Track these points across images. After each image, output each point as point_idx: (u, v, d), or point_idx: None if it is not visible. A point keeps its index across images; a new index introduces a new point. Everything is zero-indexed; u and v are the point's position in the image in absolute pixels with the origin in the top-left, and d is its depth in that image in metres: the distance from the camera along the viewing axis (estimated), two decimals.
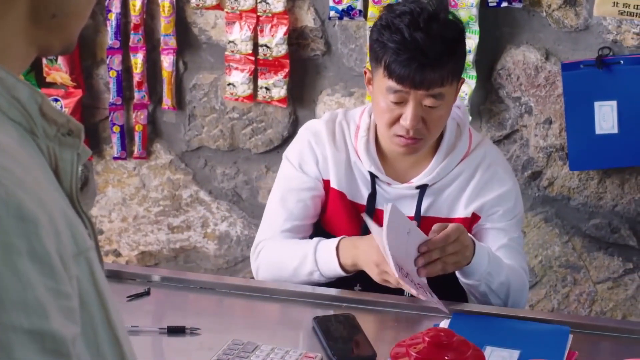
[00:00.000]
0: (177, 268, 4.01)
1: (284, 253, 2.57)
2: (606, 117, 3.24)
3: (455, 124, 2.61)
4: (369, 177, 2.58)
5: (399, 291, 2.44)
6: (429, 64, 2.36)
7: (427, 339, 1.90)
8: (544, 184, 3.46)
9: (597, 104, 3.24)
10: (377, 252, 2.30)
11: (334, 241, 2.48)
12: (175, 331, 2.22)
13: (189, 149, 3.89)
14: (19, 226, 0.86)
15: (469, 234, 2.37)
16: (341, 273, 2.46)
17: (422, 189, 2.56)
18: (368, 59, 2.56)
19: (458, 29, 2.47)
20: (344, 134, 2.63)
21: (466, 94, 3.33)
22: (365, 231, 2.52)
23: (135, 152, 3.91)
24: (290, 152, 2.68)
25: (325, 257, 2.48)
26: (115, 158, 3.94)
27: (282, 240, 2.60)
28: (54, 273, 0.89)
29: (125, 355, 1.02)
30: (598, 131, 3.26)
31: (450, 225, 2.31)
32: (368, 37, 2.54)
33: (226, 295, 2.47)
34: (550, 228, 3.50)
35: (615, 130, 3.24)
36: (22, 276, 0.85)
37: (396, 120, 2.44)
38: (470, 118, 3.36)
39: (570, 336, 2.18)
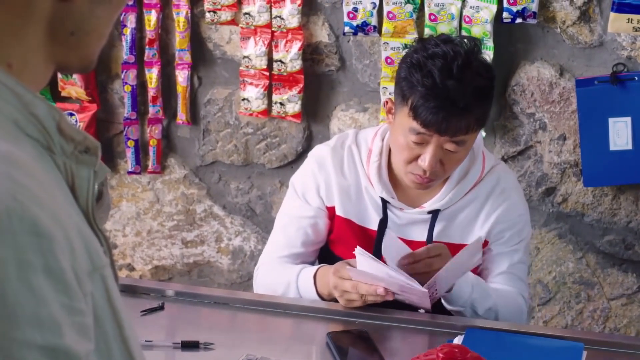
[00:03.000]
0: (190, 283, 4.02)
1: (274, 279, 2.60)
2: (620, 133, 3.23)
3: None
4: (380, 203, 2.57)
5: (414, 307, 2.45)
6: (457, 113, 2.31)
7: (441, 355, 1.90)
8: (558, 200, 3.45)
9: (611, 120, 3.24)
10: (333, 278, 2.36)
11: (313, 270, 2.51)
12: (189, 346, 2.22)
13: (203, 164, 3.90)
14: (34, 242, 0.86)
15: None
16: (320, 300, 2.49)
17: (434, 214, 2.54)
18: (393, 89, 2.52)
19: (490, 76, 2.40)
20: (353, 159, 2.61)
21: None
22: (377, 255, 2.52)
23: (150, 167, 3.92)
24: (296, 178, 2.69)
25: (305, 285, 2.51)
26: (129, 172, 3.95)
27: (275, 266, 2.63)
28: (68, 289, 0.89)
29: None
30: (612, 147, 3.25)
31: (432, 244, 2.40)
32: (395, 72, 2.48)
33: (240, 310, 2.47)
34: (564, 244, 3.50)
35: (629, 147, 3.23)
36: (37, 292, 0.85)
37: (414, 159, 2.42)
38: (484, 134, 3.37)
39: (585, 353, 2.17)
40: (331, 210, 2.62)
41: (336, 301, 2.43)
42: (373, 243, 2.56)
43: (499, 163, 2.67)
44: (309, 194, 2.63)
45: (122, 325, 1.00)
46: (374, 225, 2.58)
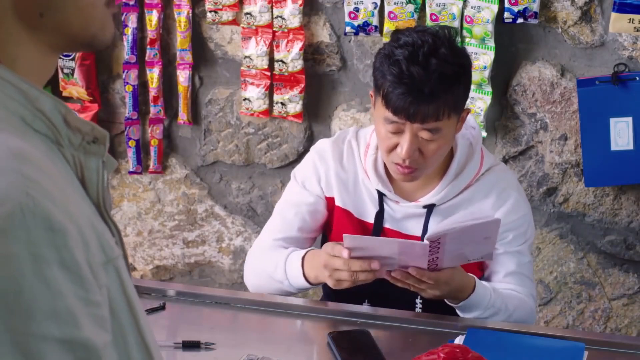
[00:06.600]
0: (191, 282, 4.02)
1: (264, 260, 2.60)
2: (622, 133, 3.23)
3: (468, 143, 2.58)
4: (376, 195, 2.57)
5: (414, 307, 2.45)
6: (424, 99, 2.32)
7: (442, 355, 1.90)
8: (559, 200, 3.45)
9: (612, 120, 3.24)
10: (324, 256, 2.32)
11: (302, 252, 2.50)
12: (191, 346, 2.22)
13: (204, 164, 3.90)
14: (48, 237, 0.87)
15: (469, 276, 2.39)
16: (307, 285, 2.47)
17: (430, 208, 2.54)
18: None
19: (460, 64, 2.40)
20: (352, 152, 2.63)
21: (482, 110, 3.34)
22: None
23: (151, 167, 3.92)
24: (297, 170, 2.71)
25: (292, 267, 2.49)
26: (130, 172, 3.95)
27: (267, 249, 2.62)
28: (83, 282, 0.89)
29: None
30: (613, 147, 3.25)
31: (446, 273, 2.31)
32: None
33: (241, 310, 2.47)
34: (565, 244, 3.50)
35: (630, 147, 3.23)
36: (53, 286, 0.86)
37: (394, 147, 2.42)
38: (485, 134, 3.37)
39: (586, 353, 2.17)
40: (330, 201, 2.64)
41: (332, 298, 2.43)
42: (369, 235, 2.54)
43: (499, 163, 2.65)
44: (309, 182, 2.65)
45: (137, 316, 1.01)
46: (370, 218, 2.58)
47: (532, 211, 2.62)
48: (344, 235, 2.26)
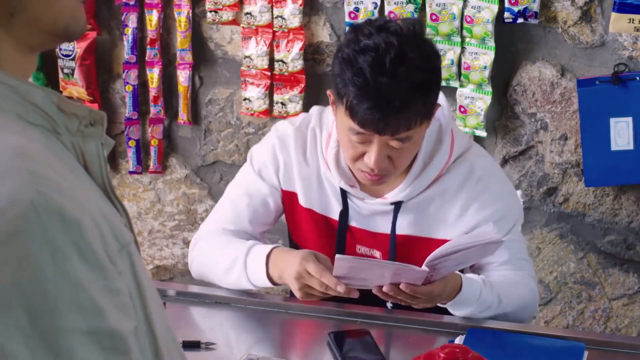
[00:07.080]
0: (192, 282, 4.01)
1: (219, 251, 2.49)
2: (622, 133, 3.23)
3: (438, 124, 2.40)
4: (340, 191, 2.44)
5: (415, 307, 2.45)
6: (394, 112, 2.12)
7: (442, 355, 1.89)
8: (559, 200, 3.45)
9: (612, 120, 3.24)
10: (300, 266, 2.22)
11: (266, 248, 2.37)
12: (191, 346, 2.21)
13: (204, 164, 3.90)
14: (64, 231, 0.88)
15: (456, 276, 2.28)
16: (267, 283, 2.36)
17: (397, 205, 2.39)
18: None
19: (431, 68, 2.19)
20: (315, 143, 2.47)
21: (482, 110, 3.33)
22: (340, 248, 2.43)
23: (151, 167, 3.92)
24: (254, 153, 2.56)
25: (254, 263, 2.38)
26: (130, 172, 3.95)
27: (221, 237, 2.50)
28: (103, 271, 0.90)
29: (159, 348, 1.02)
30: (614, 147, 3.25)
31: (438, 286, 2.20)
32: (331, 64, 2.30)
33: (241, 309, 2.46)
34: (565, 244, 3.50)
35: (630, 147, 3.23)
36: (74, 279, 0.87)
37: (360, 156, 2.25)
38: (485, 134, 3.36)
39: (586, 353, 2.17)
40: (286, 194, 2.51)
41: (332, 297, 2.42)
42: (335, 233, 2.44)
43: (472, 146, 2.47)
44: (266, 170, 2.51)
45: (144, 297, 1.01)
46: (335, 215, 2.45)
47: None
48: (336, 256, 2.10)
